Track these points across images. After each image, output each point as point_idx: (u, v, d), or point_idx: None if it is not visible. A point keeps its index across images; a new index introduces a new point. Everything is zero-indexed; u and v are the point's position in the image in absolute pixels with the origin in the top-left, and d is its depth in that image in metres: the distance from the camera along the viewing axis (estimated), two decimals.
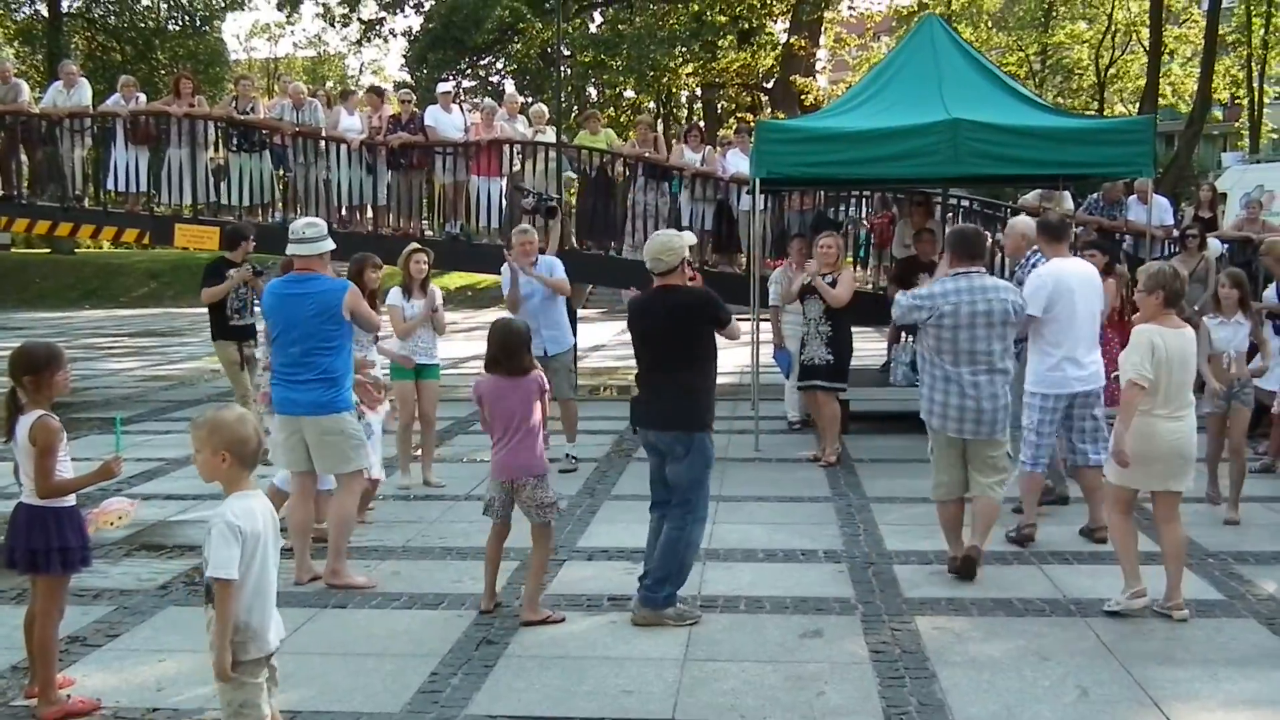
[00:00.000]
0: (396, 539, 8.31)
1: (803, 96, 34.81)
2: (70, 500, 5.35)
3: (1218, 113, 47.59)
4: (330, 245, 7.33)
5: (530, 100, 22.08)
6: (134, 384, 18.04)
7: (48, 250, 44.54)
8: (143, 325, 30.66)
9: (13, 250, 45.43)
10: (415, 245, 10.07)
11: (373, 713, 5.18)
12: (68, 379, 5.37)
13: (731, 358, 19.74)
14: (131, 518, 8.06)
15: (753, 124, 15.86)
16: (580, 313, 13.20)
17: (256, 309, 11.54)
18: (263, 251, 18.24)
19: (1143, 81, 39.08)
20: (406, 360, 9.89)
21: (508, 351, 6.55)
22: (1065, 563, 7.59)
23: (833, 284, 10.94)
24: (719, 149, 16.92)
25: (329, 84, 52.51)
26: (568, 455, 10.87)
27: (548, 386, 6.77)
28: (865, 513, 8.89)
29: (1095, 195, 15.74)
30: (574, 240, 16.56)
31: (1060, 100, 45.82)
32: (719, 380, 15.63)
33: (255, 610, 4.17)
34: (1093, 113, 42.82)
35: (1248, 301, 8.99)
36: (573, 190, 17.49)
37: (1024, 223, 9.19)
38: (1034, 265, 8.75)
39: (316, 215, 16.25)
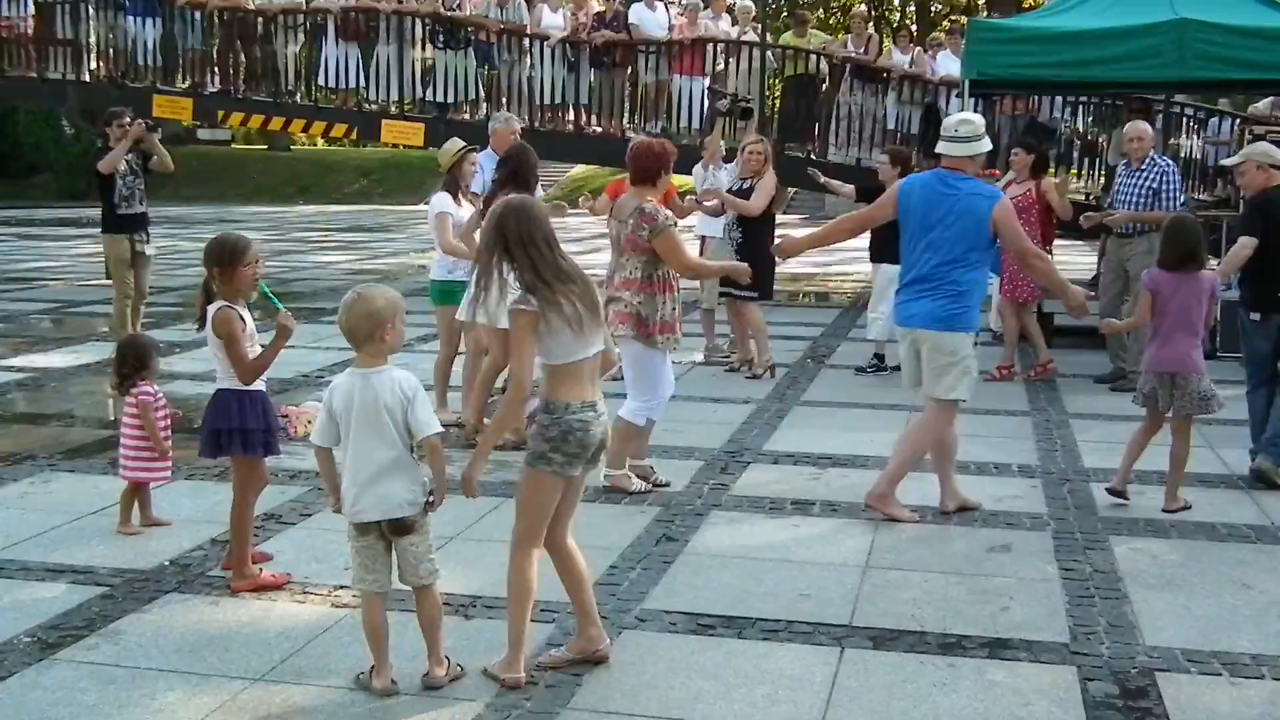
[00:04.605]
0: None
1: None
2: (257, 385, 5.49)
3: None
4: (986, 146, 6.57)
5: None
6: (341, 277, 18.57)
7: (265, 147, 46.10)
8: (352, 221, 31.56)
9: (233, 146, 47.13)
10: (466, 145, 8.60)
11: (550, 600, 5.23)
12: (254, 274, 5.41)
13: None
14: None
15: (965, 24, 15.31)
16: (779, 218, 13.02)
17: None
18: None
19: None
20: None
21: (1189, 252, 6.74)
22: (1276, 490, 7.19)
23: (750, 190, 10.43)
24: (929, 50, 16.41)
25: None
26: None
27: (1214, 287, 6.93)
28: (1064, 429, 8.59)
29: None
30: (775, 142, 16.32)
31: None
32: None
33: (346, 479, 4.48)
34: None
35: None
36: (775, 93, 17.23)
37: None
38: (1160, 169, 9.85)
39: (517, 113, 16.40)
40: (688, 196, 11.29)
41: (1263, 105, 15.08)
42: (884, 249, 10.35)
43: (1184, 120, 16.25)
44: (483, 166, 8.82)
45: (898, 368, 10.56)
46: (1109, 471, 7.39)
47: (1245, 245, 7.31)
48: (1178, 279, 6.73)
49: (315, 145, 47.24)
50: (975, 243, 6.39)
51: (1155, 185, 9.83)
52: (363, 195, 40.57)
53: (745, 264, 7.39)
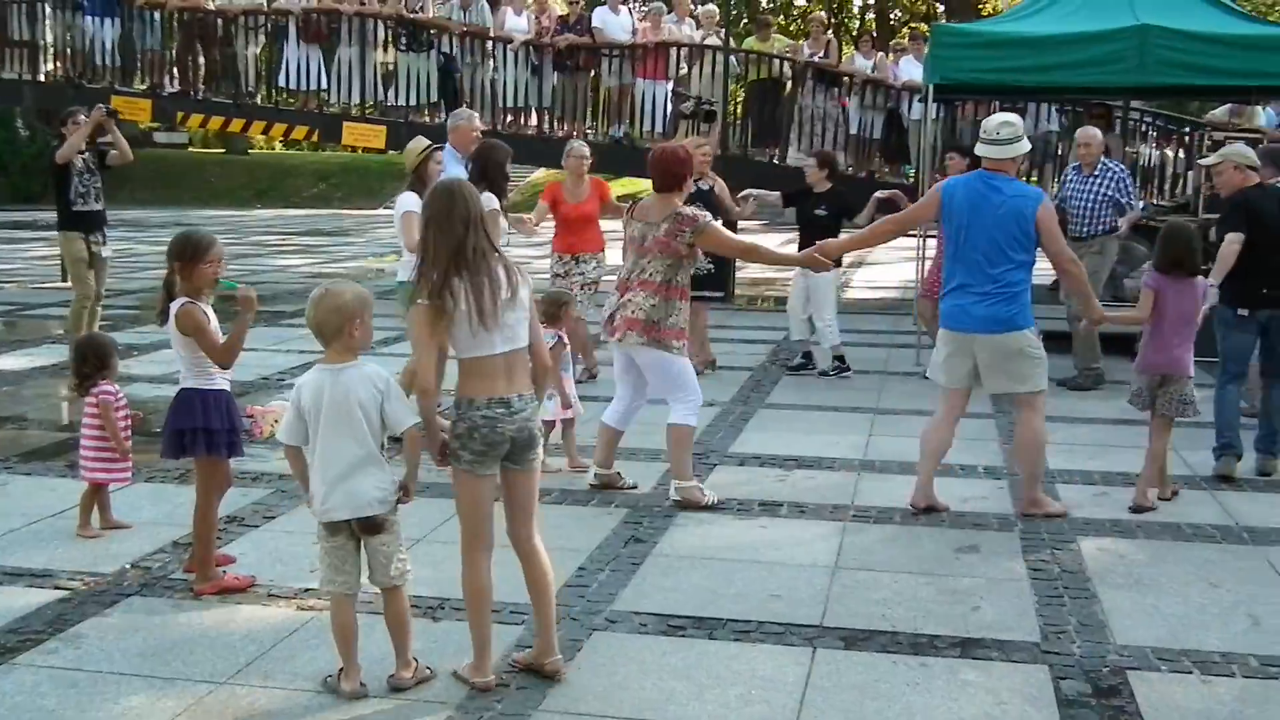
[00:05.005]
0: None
1: (980, 6, 33.66)
2: (220, 384, 5.41)
3: None
4: (1026, 147, 6.63)
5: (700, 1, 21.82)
6: (299, 280, 18.43)
7: (223, 150, 45.76)
8: (311, 225, 31.35)
9: (190, 150, 46.73)
10: (432, 144, 8.44)
11: (519, 602, 5.17)
12: (215, 272, 5.33)
13: (896, 272, 19.38)
14: None
15: (927, 31, 15.41)
16: (741, 224, 13.01)
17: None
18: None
19: None
20: None
21: (1174, 257, 6.81)
22: (1238, 490, 7.24)
23: (710, 190, 10.28)
24: (892, 55, 16.49)
25: None
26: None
27: (1207, 292, 7.02)
28: None
29: None
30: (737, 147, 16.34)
31: (1260, 13, 43.44)
32: (880, 294, 15.34)
33: (315, 477, 4.39)
34: None
35: None
36: (738, 98, 17.25)
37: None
38: (1114, 175, 10.06)
39: (479, 116, 16.31)
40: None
41: (1220, 111, 15.23)
42: None
43: (1143, 126, 16.36)
44: (445, 165, 8.76)
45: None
46: (1073, 473, 7.45)
47: (1233, 241, 7.42)
48: (1179, 283, 6.82)
49: (273, 149, 46.98)
50: (1022, 243, 6.40)
51: (1111, 192, 10.04)
52: (321, 199, 40.28)
53: (817, 251, 6.99)
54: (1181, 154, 15.72)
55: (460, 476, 4.43)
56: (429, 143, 8.39)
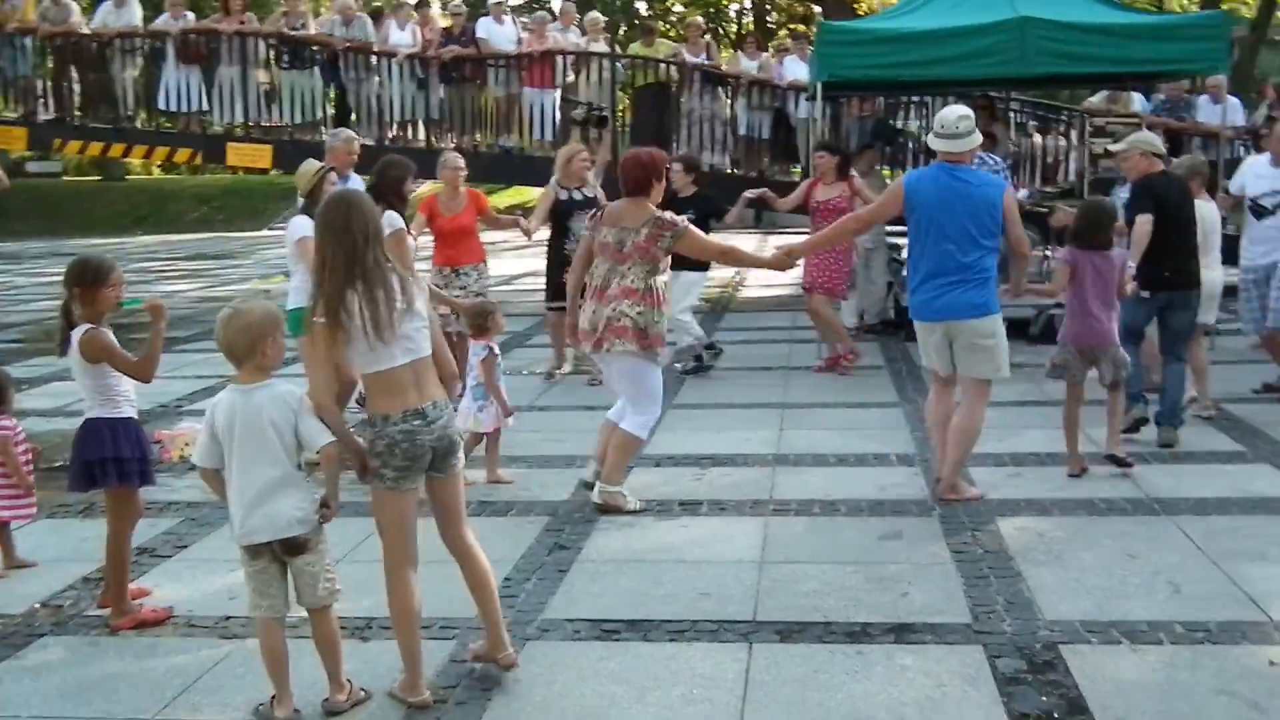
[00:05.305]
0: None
1: (856, 6, 34.13)
2: (127, 412, 5.25)
3: None
4: (980, 139, 6.82)
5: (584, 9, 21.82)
6: (187, 305, 18.04)
7: (99, 178, 44.66)
8: (195, 249, 30.72)
9: (64, 178, 45.55)
10: (324, 165, 8.10)
11: (450, 617, 5.10)
12: (118, 296, 5.19)
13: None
14: None
15: (811, 31, 15.58)
16: None
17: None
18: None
19: None
20: None
21: (1097, 225, 7.21)
22: (1145, 463, 7.39)
23: (591, 199, 10.21)
24: (776, 56, 16.63)
25: None
26: None
27: (1125, 264, 7.41)
28: None
29: (1162, 97, 15.34)
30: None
31: (1128, 2, 44.55)
32: (776, 292, 15.40)
33: (233, 501, 4.30)
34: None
35: None
36: (624, 106, 17.27)
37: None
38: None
39: (367, 130, 16.11)
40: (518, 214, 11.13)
41: (1098, 98, 15.60)
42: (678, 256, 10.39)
43: (1022, 116, 16.68)
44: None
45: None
46: (984, 456, 7.49)
47: (1145, 223, 7.68)
48: (1095, 256, 7.11)
49: (151, 174, 45.97)
50: (992, 230, 6.59)
51: None
52: (203, 223, 39.48)
53: (785, 251, 7.11)
54: (1062, 141, 16.06)
55: (382, 495, 4.35)
56: (321, 164, 8.22)
